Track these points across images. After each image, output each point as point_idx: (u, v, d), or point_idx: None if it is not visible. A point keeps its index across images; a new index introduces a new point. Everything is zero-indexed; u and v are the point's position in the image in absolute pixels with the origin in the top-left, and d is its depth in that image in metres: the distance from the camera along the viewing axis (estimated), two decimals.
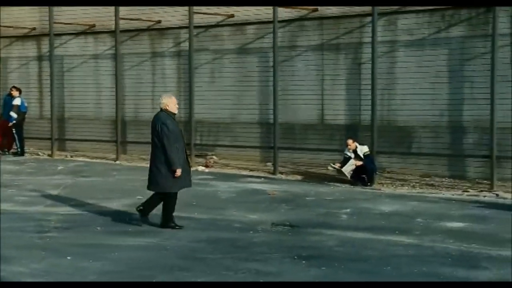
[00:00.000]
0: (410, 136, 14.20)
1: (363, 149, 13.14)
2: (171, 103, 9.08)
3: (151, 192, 9.32)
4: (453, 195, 12.05)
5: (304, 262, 7.51)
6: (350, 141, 13.17)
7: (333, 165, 13.29)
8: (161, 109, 9.14)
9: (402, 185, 13.08)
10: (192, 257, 7.68)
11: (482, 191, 12.29)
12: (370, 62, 13.71)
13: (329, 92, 15.15)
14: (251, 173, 14.69)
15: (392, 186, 13.00)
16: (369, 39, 13.84)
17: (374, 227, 9.33)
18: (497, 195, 11.93)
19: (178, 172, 8.94)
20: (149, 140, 9.22)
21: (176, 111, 9.16)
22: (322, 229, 9.23)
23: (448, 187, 12.77)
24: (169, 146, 8.89)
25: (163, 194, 9.16)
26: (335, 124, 15.10)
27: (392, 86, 14.29)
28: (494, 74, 12.39)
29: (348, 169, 13.03)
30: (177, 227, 9.13)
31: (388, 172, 14.06)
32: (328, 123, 15.22)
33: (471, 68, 13.43)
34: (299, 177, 14.17)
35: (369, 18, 13.95)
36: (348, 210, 10.50)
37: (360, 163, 12.95)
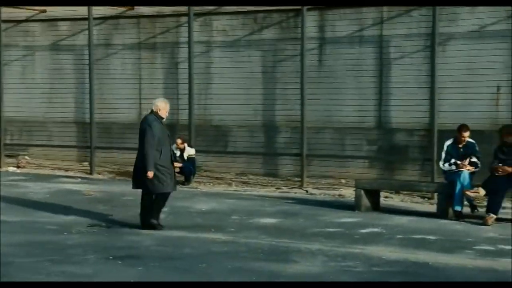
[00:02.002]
0: (227, 135, 14.53)
1: (189, 151, 13.21)
2: (163, 109, 9.25)
3: None
4: (267, 192, 12.51)
5: (120, 262, 7.46)
6: (179, 141, 13.16)
7: None
8: (151, 111, 9.22)
9: (219, 183, 13.36)
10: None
11: (293, 188, 12.87)
12: (187, 62, 13.87)
13: (147, 91, 15.11)
14: (66, 173, 14.32)
15: (209, 184, 13.24)
16: (186, 39, 14.00)
17: (191, 225, 9.47)
18: (307, 191, 12.55)
19: (150, 174, 9.00)
20: None
21: (165, 117, 9.27)
22: (140, 229, 9.22)
23: (263, 185, 13.23)
24: (148, 147, 9.00)
25: (152, 194, 9.20)
26: None
27: (209, 85, 14.55)
28: (304, 76, 13.03)
29: None
30: (159, 226, 9.18)
31: (205, 171, 14.29)
32: None
33: (282, 70, 14.01)
34: (116, 177, 14.01)
35: (185, 18, 14.10)
36: (165, 209, 10.49)
37: (179, 165, 13.03)
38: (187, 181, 13.09)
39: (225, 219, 9.90)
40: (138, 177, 9.28)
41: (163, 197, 9.31)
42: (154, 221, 9.22)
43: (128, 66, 15.23)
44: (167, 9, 14.71)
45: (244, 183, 13.44)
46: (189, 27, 13.69)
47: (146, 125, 9.14)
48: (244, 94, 14.27)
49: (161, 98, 9.85)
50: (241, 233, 9.03)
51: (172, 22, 14.79)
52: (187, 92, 13.91)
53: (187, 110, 13.91)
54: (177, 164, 12.97)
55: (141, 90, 15.20)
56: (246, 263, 7.49)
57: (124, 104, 15.21)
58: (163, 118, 9.30)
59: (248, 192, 12.51)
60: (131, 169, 14.61)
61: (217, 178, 13.79)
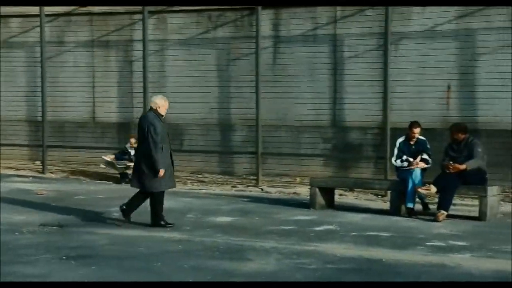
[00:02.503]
0: (182, 134, 14.48)
1: None
2: (162, 106, 9.15)
3: None
4: (222, 190, 12.51)
5: (73, 262, 7.38)
6: (133, 140, 13.09)
7: (105, 158, 13.18)
8: (151, 109, 9.12)
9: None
10: None
11: (249, 186, 12.90)
12: (141, 60, 13.78)
13: (100, 90, 14.97)
14: (18, 172, 14.10)
15: None
16: (139, 37, 13.91)
17: (146, 224, 9.40)
18: (262, 189, 12.60)
19: (161, 172, 9.00)
20: None
21: (164, 114, 9.17)
22: (93, 228, 9.13)
23: (218, 183, 13.23)
24: (154, 146, 8.90)
25: (146, 194, 9.23)
26: (107, 122, 14.95)
27: (163, 84, 14.48)
28: (258, 74, 13.06)
29: (121, 164, 13.05)
30: (168, 225, 9.10)
31: None
32: (100, 120, 15.03)
33: (237, 68, 14.02)
34: (69, 176, 13.86)
35: (138, 16, 14.01)
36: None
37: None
38: None
39: (180, 218, 9.87)
40: (138, 175, 9.17)
41: (160, 196, 9.27)
42: (162, 222, 9.23)
43: (81, 64, 15.06)
44: (120, 7, 14.57)
45: (200, 181, 13.41)
46: (143, 25, 13.61)
47: (148, 123, 9.02)
48: (199, 92, 14.25)
49: (159, 95, 9.72)
50: (197, 232, 9.02)
51: (126, 20, 14.68)
52: (141, 90, 13.82)
53: (141, 109, 13.80)
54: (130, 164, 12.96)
55: (95, 88, 15.05)
56: (201, 261, 7.48)
57: (77, 103, 15.05)
58: (162, 116, 9.22)
59: (204, 190, 12.49)
60: (84, 168, 14.64)
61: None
